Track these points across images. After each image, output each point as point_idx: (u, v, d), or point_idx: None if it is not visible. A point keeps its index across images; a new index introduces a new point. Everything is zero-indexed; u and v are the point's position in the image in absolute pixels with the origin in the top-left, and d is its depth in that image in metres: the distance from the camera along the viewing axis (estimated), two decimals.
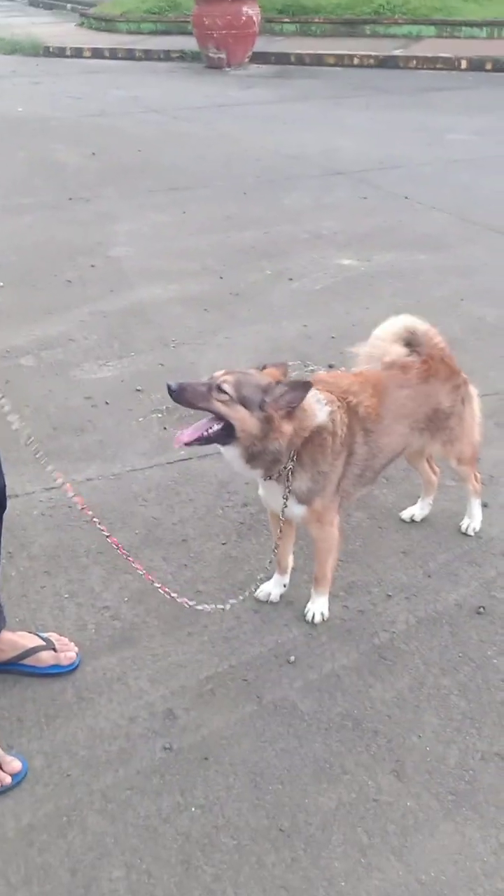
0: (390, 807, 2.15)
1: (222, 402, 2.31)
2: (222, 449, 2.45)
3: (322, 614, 2.74)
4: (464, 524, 3.15)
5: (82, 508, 2.52)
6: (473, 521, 3.15)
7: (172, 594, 2.60)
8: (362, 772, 2.24)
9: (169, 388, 2.32)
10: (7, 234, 6.40)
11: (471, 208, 6.96)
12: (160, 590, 2.59)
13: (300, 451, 2.45)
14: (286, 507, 2.54)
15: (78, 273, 5.69)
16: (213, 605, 2.65)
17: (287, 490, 2.49)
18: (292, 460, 2.45)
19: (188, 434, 2.38)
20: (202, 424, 2.38)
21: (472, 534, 3.13)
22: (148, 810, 2.15)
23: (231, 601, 2.67)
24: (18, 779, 2.19)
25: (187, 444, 2.39)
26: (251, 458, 2.40)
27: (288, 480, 2.47)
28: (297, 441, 2.43)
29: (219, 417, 2.34)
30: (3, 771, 2.18)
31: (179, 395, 2.33)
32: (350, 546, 3.08)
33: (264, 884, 1.97)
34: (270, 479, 2.50)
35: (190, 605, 2.61)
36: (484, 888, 1.96)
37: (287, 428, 2.36)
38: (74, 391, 4.20)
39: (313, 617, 2.74)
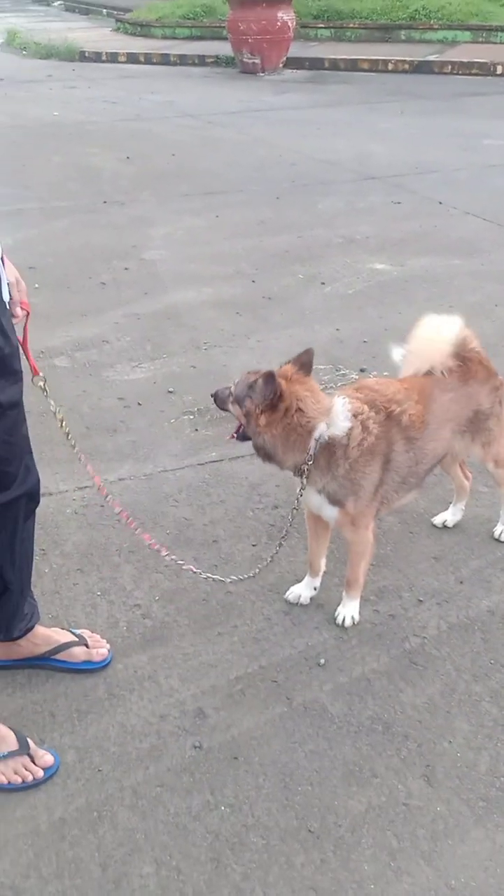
0: (420, 811, 2.14)
1: (230, 402, 2.56)
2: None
3: (353, 618, 2.74)
4: (497, 530, 3.13)
5: (120, 511, 2.68)
6: None
7: (179, 561, 2.76)
8: (392, 776, 2.24)
9: (214, 397, 2.66)
10: (43, 238, 6.48)
11: None
12: (179, 564, 2.75)
13: (318, 455, 2.48)
14: (300, 496, 2.59)
15: (112, 276, 5.74)
16: (217, 577, 2.78)
17: (303, 486, 2.54)
18: (308, 462, 2.49)
19: (233, 432, 2.66)
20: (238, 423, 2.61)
21: None
22: (178, 808, 2.16)
23: (232, 577, 2.78)
24: (50, 773, 2.22)
25: (235, 439, 2.65)
26: (255, 450, 2.58)
27: (304, 477, 2.52)
28: (299, 439, 2.46)
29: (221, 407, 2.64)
30: (36, 765, 2.21)
31: (215, 398, 2.65)
32: (381, 550, 3.08)
33: (293, 884, 1.98)
34: (295, 475, 2.56)
35: (195, 572, 2.76)
36: None
37: (262, 421, 2.46)
38: (108, 392, 4.24)
39: (343, 620, 2.74)
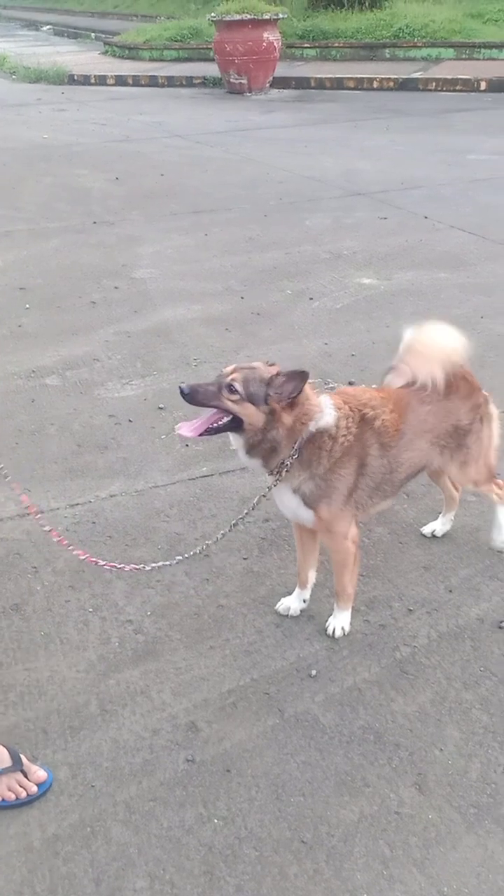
0: (412, 819, 2.15)
1: (233, 400, 2.40)
2: (231, 435, 2.53)
3: (343, 629, 2.75)
4: (494, 536, 3.10)
5: (50, 530, 2.57)
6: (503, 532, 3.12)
7: (100, 562, 2.69)
8: (384, 784, 2.25)
9: (181, 390, 2.40)
10: (34, 258, 6.53)
11: (491, 227, 6.99)
12: (81, 557, 2.67)
13: (302, 449, 2.49)
14: (270, 489, 2.57)
15: (102, 295, 5.78)
16: (160, 564, 2.75)
17: (276, 479, 2.52)
18: (292, 457, 2.49)
19: (196, 427, 2.45)
20: (209, 417, 2.46)
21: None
22: (171, 821, 2.16)
23: (178, 557, 2.77)
24: (44, 788, 2.22)
25: (196, 437, 2.47)
26: (251, 447, 2.49)
27: (282, 473, 2.51)
28: (299, 435, 2.48)
29: (201, 405, 2.45)
30: (29, 780, 2.21)
31: (192, 397, 2.41)
32: (371, 561, 3.10)
33: (286, 895, 1.98)
34: (272, 474, 2.54)
35: (129, 569, 2.72)
36: None
37: (287, 419, 2.44)
38: (98, 410, 4.26)
39: (334, 631, 2.75)
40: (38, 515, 2.62)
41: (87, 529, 3.34)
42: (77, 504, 3.49)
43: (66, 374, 4.65)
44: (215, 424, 2.45)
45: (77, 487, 3.62)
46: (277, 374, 2.42)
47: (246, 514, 2.76)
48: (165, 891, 2.00)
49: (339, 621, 2.76)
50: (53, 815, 2.18)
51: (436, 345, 2.72)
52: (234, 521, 2.79)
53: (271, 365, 2.50)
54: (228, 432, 2.50)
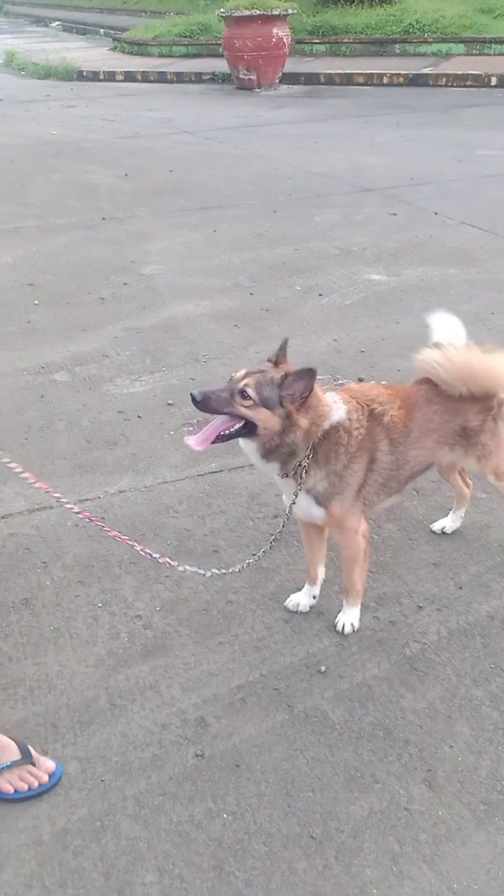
0: (422, 816, 2.15)
1: (246, 406, 2.36)
2: (242, 442, 2.49)
3: (352, 625, 2.75)
4: None
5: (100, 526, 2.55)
6: None
7: (155, 555, 2.68)
8: (393, 781, 2.24)
9: (193, 398, 2.35)
10: (43, 254, 6.53)
11: (502, 223, 6.96)
12: (142, 552, 2.66)
13: (317, 448, 2.49)
14: (294, 503, 2.56)
15: (111, 291, 5.78)
16: (196, 569, 2.73)
17: (299, 486, 2.52)
18: (308, 457, 2.48)
19: (205, 437, 2.40)
20: (219, 425, 2.41)
21: None
22: (180, 816, 2.17)
23: (214, 570, 2.76)
24: (55, 780, 2.23)
25: (208, 446, 2.41)
26: (268, 452, 2.45)
27: (301, 477, 2.50)
28: (314, 435, 2.47)
29: (216, 412, 2.39)
30: (40, 770, 2.22)
31: (204, 404, 2.36)
32: (381, 557, 3.09)
33: (296, 890, 1.98)
34: (287, 476, 2.52)
35: (171, 566, 2.69)
36: None
37: (303, 422, 2.42)
38: (107, 405, 4.26)
39: (343, 628, 2.75)
40: (64, 501, 2.62)
41: (96, 525, 3.33)
42: (86, 500, 3.50)
43: (75, 369, 4.65)
44: (227, 431, 2.40)
45: (86, 483, 3.62)
46: (287, 375, 2.39)
47: (283, 526, 2.77)
48: (175, 885, 2.00)
49: (349, 617, 2.76)
50: (63, 809, 2.19)
51: (488, 369, 2.68)
52: (273, 537, 2.80)
53: (277, 363, 2.48)
54: (240, 438, 2.45)
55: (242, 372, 2.42)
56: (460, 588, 2.94)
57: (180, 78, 16.16)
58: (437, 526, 3.25)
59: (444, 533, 3.23)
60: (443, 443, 2.76)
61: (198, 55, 17.84)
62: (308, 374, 2.37)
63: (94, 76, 16.81)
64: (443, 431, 2.74)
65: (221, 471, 3.70)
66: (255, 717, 2.45)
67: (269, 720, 2.44)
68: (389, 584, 2.98)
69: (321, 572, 2.88)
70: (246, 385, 2.36)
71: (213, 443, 2.41)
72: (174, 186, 8.50)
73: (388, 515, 3.31)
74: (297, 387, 2.38)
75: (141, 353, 4.84)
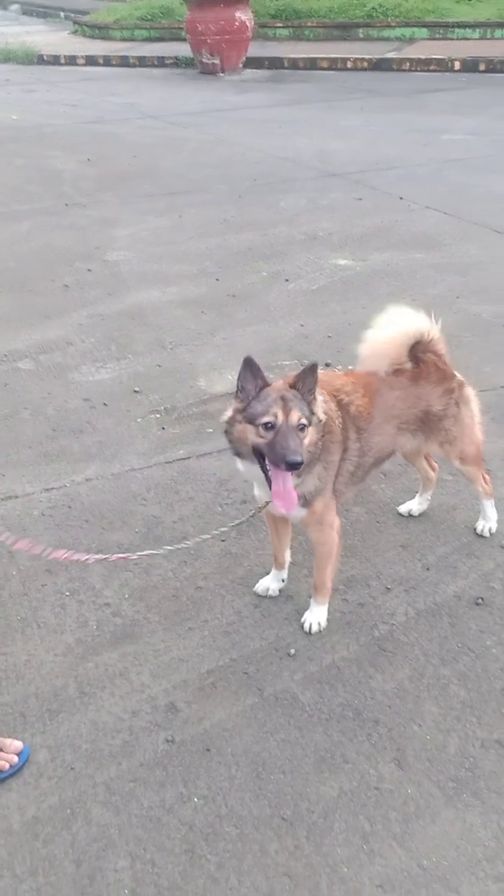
0: (392, 794, 2.17)
1: (305, 437, 2.31)
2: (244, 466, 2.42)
3: (319, 624, 2.71)
4: (479, 526, 3.14)
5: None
6: (489, 521, 3.13)
7: (86, 558, 2.51)
8: (363, 761, 2.26)
9: (293, 463, 2.21)
10: (5, 241, 6.44)
11: (466, 207, 7.00)
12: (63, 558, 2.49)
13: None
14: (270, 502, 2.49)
15: (76, 278, 5.72)
16: (151, 551, 2.70)
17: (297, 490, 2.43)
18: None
19: (291, 496, 2.32)
20: (288, 480, 2.30)
21: (489, 535, 3.11)
22: (151, 801, 2.17)
23: (166, 547, 2.71)
24: (24, 759, 2.21)
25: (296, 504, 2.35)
26: (304, 468, 2.35)
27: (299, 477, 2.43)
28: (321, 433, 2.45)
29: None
30: (7, 752, 2.20)
31: (301, 463, 2.24)
32: (349, 541, 3.10)
33: (267, 871, 1.99)
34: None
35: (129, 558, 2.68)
36: (486, 872, 1.98)
37: (322, 415, 2.41)
38: (73, 393, 4.22)
39: (311, 627, 2.71)
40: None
41: (62, 514, 3.31)
42: (52, 488, 3.47)
43: (39, 357, 4.60)
44: (296, 477, 2.35)
45: (52, 472, 3.58)
46: (296, 384, 2.32)
47: (252, 515, 2.73)
48: (146, 870, 2.00)
49: (316, 616, 2.73)
50: (33, 798, 2.18)
51: (384, 338, 2.71)
52: (237, 522, 2.78)
53: (267, 384, 2.35)
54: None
55: (280, 411, 2.26)
56: (428, 569, 2.97)
57: (143, 62, 15.98)
58: (404, 508, 3.27)
59: (411, 515, 3.25)
60: (404, 429, 2.76)
61: (160, 39, 17.63)
62: (312, 370, 2.32)
63: (55, 60, 16.57)
64: (404, 418, 2.74)
65: (189, 457, 3.68)
66: (226, 702, 2.45)
67: (240, 704, 2.44)
68: (358, 566, 2.99)
69: (288, 556, 2.88)
70: (300, 419, 2.28)
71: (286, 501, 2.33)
72: (139, 172, 8.41)
73: (356, 499, 3.32)
74: (310, 382, 2.33)
75: (106, 341, 4.80)
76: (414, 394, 2.73)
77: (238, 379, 2.35)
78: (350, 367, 2.93)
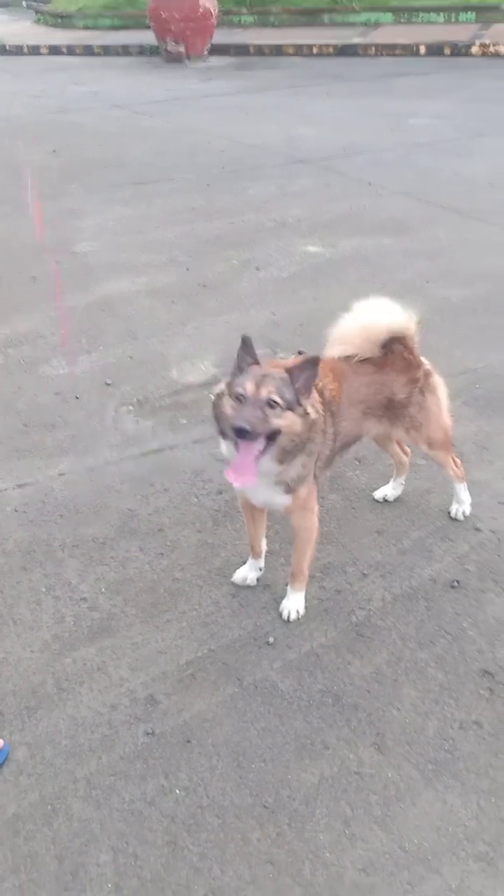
0: (372, 779, 2.18)
1: (277, 416, 2.26)
2: (264, 460, 2.32)
3: (297, 611, 2.72)
4: (453, 509, 3.16)
5: None
6: (462, 505, 3.15)
7: None
8: (343, 746, 2.27)
9: (242, 431, 2.19)
10: None
11: (434, 191, 7.01)
12: None
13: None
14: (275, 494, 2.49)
15: (43, 270, 5.66)
16: None
17: (279, 477, 2.43)
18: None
19: (247, 470, 2.26)
20: (249, 454, 2.26)
21: (462, 518, 3.13)
22: (132, 795, 2.16)
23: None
24: (4, 756, 2.21)
25: (251, 479, 2.28)
26: (286, 455, 2.34)
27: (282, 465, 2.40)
28: (318, 426, 2.42)
29: (267, 433, 2.26)
30: None
31: (254, 433, 2.21)
32: (325, 528, 3.10)
33: (250, 860, 2.00)
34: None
35: None
36: (466, 851, 2.00)
37: (312, 412, 2.37)
38: (44, 387, 4.18)
39: (289, 615, 2.72)
40: None
41: (36, 509, 3.28)
42: (26, 484, 3.43)
43: (8, 351, 4.55)
44: (259, 455, 2.28)
45: (25, 467, 3.55)
46: (292, 371, 2.30)
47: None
48: (129, 863, 2.00)
49: (294, 603, 2.73)
50: (13, 796, 2.16)
51: (368, 338, 2.70)
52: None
53: (258, 363, 2.36)
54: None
55: (251, 383, 2.26)
56: (403, 554, 2.98)
57: (107, 51, 15.81)
58: (378, 494, 3.28)
59: (385, 501, 3.26)
60: (369, 414, 2.76)
61: (124, 27, 17.44)
62: (313, 363, 2.30)
63: (17, 50, 16.35)
64: (369, 403, 2.74)
65: (163, 449, 3.66)
66: (205, 692, 2.45)
67: (219, 694, 2.44)
68: (334, 553, 3.00)
69: (264, 545, 2.87)
70: (270, 393, 2.25)
71: (258, 459, 2.28)
72: (105, 161, 8.33)
73: (331, 486, 3.32)
74: (306, 375, 2.31)
75: (76, 333, 4.75)
76: (378, 381, 2.73)
77: (236, 357, 2.35)
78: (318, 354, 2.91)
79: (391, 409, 2.79)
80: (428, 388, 2.85)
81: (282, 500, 2.53)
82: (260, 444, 2.26)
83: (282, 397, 2.26)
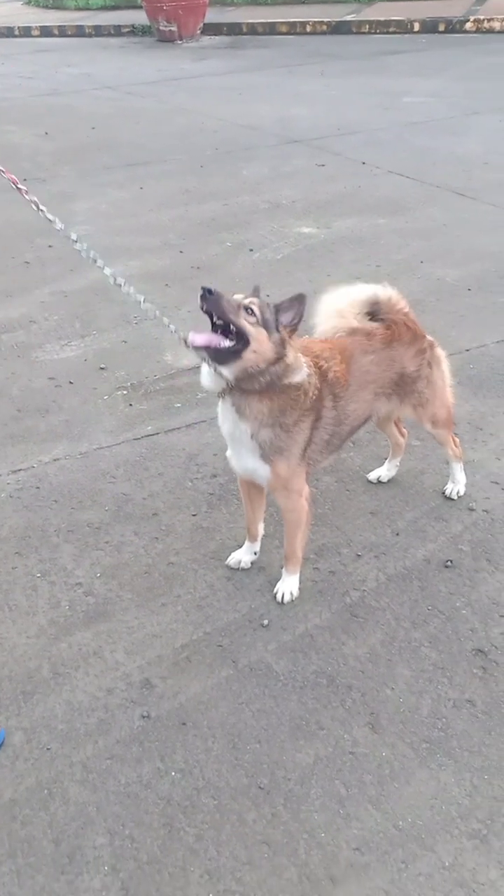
0: (366, 758, 2.19)
1: (250, 322, 2.30)
2: (222, 368, 2.34)
3: (292, 594, 2.72)
4: (448, 489, 3.16)
5: None
6: (457, 485, 3.15)
7: None
8: (338, 726, 2.28)
9: (206, 290, 2.24)
10: None
11: (428, 170, 6.96)
12: None
13: (273, 398, 2.42)
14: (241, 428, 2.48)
15: (36, 254, 5.63)
16: None
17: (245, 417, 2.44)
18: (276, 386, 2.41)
19: (202, 339, 2.30)
20: (216, 337, 2.30)
21: (457, 497, 3.14)
22: (129, 778, 2.17)
23: None
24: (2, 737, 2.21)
25: (197, 348, 2.31)
26: (245, 377, 2.35)
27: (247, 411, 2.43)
28: (290, 375, 2.41)
29: (236, 336, 2.29)
30: None
31: (215, 302, 2.26)
32: (319, 510, 3.10)
33: (246, 840, 2.01)
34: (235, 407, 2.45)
35: None
36: (460, 829, 2.01)
37: (291, 356, 2.37)
38: (38, 372, 4.17)
39: (283, 597, 2.72)
40: None
41: (31, 495, 3.28)
42: (20, 470, 3.43)
43: (1, 337, 4.53)
44: (217, 345, 2.29)
45: (19, 453, 3.54)
46: (280, 305, 2.35)
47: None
48: (125, 846, 2.01)
49: (288, 586, 2.74)
50: (9, 781, 2.17)
51: (343, 311, 2.72)
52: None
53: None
54: (217, 364, 2.33)
55: (243, 295, 2.35)
56: (397, 534, 2.98)
57: (99, 31, 15.63)
58: (373, 475, 3.28)
59: (380, 482, 3.26)
60: (380, 393, 2.77)
61: (116, 7, 17.24)
62: (300, 300, 2.33)
63: (8, 32, 16.16)
64: (380, 382, 2.74)
65: (158, 433, 3.66)
66: (201, 675, 2.46)
67: (214, 677, 2.45)
68: (329, 534, 3.00)
69: (261, 529, 2.88)
70: (251, 303, 2.31)
71: (199, 347, 2.30)
72: (97, 144, 8.27)
73: (325, 468, 3.32)
74: (291, 312, 2.33)
75: (70, 318, 4.73)
76: (388, 357, 2.73)
77: None
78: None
79: (401, 385, 2.80)
80: (434, 361, 2.88)
81: (260, 468, 2.53)
82: (227, 340, 2.28)
83: (261, 312, 2.31)
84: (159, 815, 2.08)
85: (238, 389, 2.40)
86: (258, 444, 2.49)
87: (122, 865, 1.97)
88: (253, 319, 2.29)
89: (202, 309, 2.28)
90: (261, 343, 2.30)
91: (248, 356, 2.31)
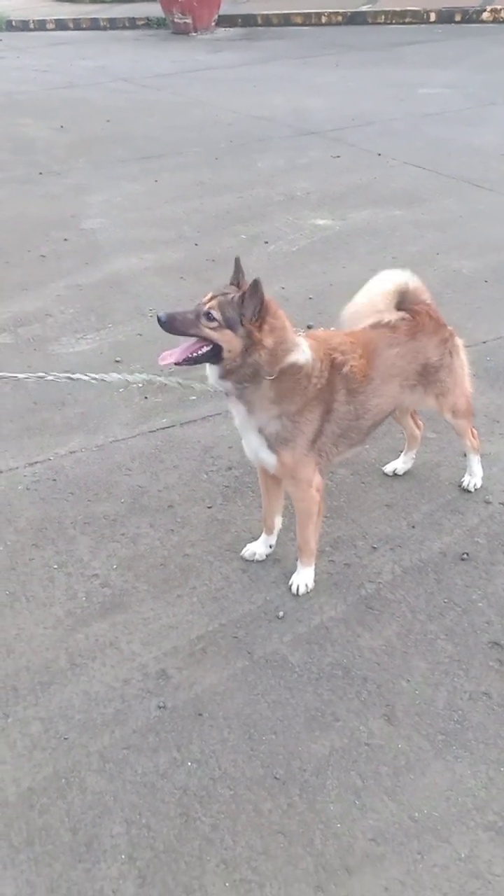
0: (382, 750, 2.20)
1: (212, 328, 2.35)
2: (208, 366, 2.46)
3: (307, 585, 2.73)
4: (465, 481, 3.15)
5: None
6: (474, 477, 3.14)
7: None
8: (353, 718, 2.28)
9: (158, 319, 2.37)
10: None
11: (444, 162, 6.92)
12: None
13: (273, 382, 2.44)
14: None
15: (52, 247, 5.64)
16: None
17: (238, 398, 2.48)
18: (271, 377, 2.43)
19: (177, 354, 2.41)
20: (190, 346, 2.40)
21: (473, 490, 3.13)
22: (145, 767, 2.19)
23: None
24: None
25: (177, 364, 2.42)
26: (228, 372, 2.42)
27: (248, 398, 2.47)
28: (280, 359, 2.42)
29: (207, 341, 2.38)
30: None
31: (170, 325, 2.37)
32: (335, 502, 3.10)
33: (261, 830, 2.02)
34: (240, 400, 2.49)
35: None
36: (475, 821, 2.01)
37: (268, 340, 2.38)
38: (54, 365, 4.18)
39: (297, 589, 2.72)
40: None
41: (47, 487, 3.30)
42: (36, 462, 3.45)
43: (17, 330, 4.55)
44: (195, 353, 2.40)
45: (35, 445, 3.56)
46: (243, 294, 2.36)
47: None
48: (142, 834, 2.03)
49: (303, 578, 2.74)
50: (27, 770, 2.19)
51: (374, 301, 2.72)
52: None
53: (239, 285, 2.45)
54: (207, 363, 2.43)
55: (209, 295, 2.40)
56: (413, 527, 2.98)
57: (114, 24, 15.64)
58: (388, 468, 3.27)
59: (395, 474, 3.25)
60: (405, 386, 2.77)
61: (131, 0, 17.23)
62: (254, 287, 2.33)
63: (24, 26, 16.20)
64: (405, 374, 2.74)
65: (173, 426, 3.67)
66: (216, 666, 2.47)
67: (230, 668, 2.46)
68: (344, 527, 3.00)
69: (278, 522, 2.88)
70: (211, 307, 2.35)
71: (184, 362, 2.40)
72: (112, 137, 8.27)
73: (343, 461, 3.32)
74: (251, 303, 2.35)
75: (85, 311, 4.75)
76: (412, 348, 2.73)
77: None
78: (332, 328, 2.91)
79: (424, 376, 2.80)
80: (454, 349, 2.88)
81: (267, 457, 2.56)
82: (194, 345, 2.39)
83: (222, 314, 2.35)
84: (175, 804, 2.09)
85: (236, 384, 2.45)
86: (265, 434, 2.52)
87: (138, 854, 1.99)
88: (214, 324, 2.35)
89: (160, 326, 2.38)
90: (228, 342, 2.37)
91: (227, 355, 2.39)
